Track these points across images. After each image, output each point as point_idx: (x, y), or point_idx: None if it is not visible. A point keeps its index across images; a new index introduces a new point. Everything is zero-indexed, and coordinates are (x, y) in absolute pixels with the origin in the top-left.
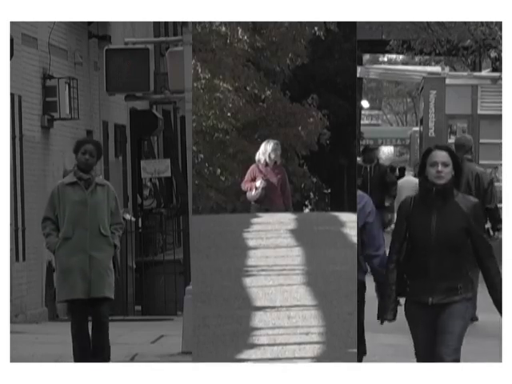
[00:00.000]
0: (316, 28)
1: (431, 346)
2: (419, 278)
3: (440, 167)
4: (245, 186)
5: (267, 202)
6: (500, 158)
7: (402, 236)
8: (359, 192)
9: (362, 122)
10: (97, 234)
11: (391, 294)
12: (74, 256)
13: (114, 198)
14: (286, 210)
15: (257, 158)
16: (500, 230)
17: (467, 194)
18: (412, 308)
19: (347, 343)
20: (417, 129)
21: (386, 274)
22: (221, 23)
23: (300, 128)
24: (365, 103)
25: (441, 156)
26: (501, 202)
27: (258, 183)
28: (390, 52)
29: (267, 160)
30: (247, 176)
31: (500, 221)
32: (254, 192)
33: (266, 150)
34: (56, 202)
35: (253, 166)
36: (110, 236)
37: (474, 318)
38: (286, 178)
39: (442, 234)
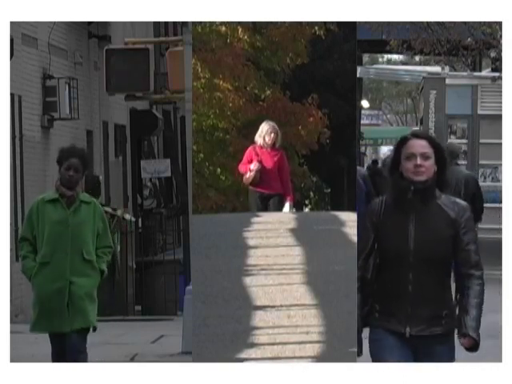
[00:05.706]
0: (316, 27)
1: None
2: (392, 303)
3: (419, 160)
4: (241, 168)
5: (264, 186)
6: (500, 158)
7: (367, 247)
8: None
9: (362, 121)
10: (79, 258)
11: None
12: (52, 283)
13: (102, 218)
14: (284, 194)
15: (255, 139)
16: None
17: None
18: (381, 340)
19: (347, 343)
20: (417, 129)
21: None
22: (221, 23)
23: (300, 127)
24: (365, 103)
25: (420, 146)
26: (501, 202)
27: (252, 165)
28: (390, 52)
29: (262, 143)
30: (244, 158)
31: (482, 211)
32: (247, 174)
33: (262, 132)
34: (34, 221)
35: (250, 148)
36: (96, 260)
37: None
38: (285, 161)
39: (423, 245)
